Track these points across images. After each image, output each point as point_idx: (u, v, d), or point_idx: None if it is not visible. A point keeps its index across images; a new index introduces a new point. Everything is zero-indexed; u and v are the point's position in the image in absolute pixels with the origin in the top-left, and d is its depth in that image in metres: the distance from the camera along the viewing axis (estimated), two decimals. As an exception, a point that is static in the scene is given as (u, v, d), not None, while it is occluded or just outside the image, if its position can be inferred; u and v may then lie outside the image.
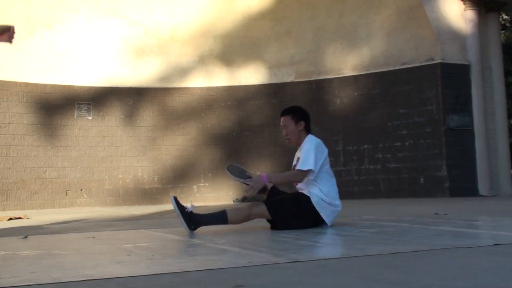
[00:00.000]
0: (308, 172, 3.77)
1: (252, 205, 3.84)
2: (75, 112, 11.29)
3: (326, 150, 3.90)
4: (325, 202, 3.79)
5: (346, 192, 11.27)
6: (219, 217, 3.81)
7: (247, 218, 3.87)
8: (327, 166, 3.89)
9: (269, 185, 3.89)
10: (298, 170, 3.78)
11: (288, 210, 3.76)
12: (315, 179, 3.80)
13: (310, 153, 3.77)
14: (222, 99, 12.08)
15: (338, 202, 3.90)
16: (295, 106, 4.22)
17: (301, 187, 3.91)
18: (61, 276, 1.97)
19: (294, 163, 3.96)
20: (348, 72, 11.61)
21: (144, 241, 3.35)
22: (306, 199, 3.77)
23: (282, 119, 4.02)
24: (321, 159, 3.81)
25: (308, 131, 4.01)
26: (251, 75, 12.18)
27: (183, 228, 3.75)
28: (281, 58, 12.17)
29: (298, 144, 3.99)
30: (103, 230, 4.37)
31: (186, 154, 11.90)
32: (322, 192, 3.79)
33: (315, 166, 3.74)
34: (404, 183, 10.89)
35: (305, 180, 3.85)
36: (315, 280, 1.78)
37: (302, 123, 3.97)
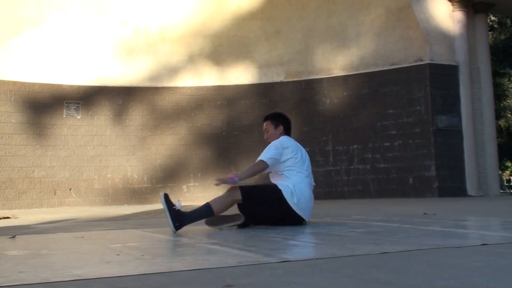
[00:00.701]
0: (264, 162, 3.99)
1: (232, 190, 3.94)
2: (64, 111, 11.23)
3: (290, 145, 4.08)
4: (295, 193, 3.91)
5: (335, 192, 11.31)
6: (204, 211, 3.89)
7: (232, 203, 3.98)
8: (292, 161, 4.04)
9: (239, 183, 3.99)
10: (258, 160, 4.04)
11: (258, 196, 3.98)
12: (283, 173, 4.03)
13: (269, 148, 4.10)
14: (212, 99, 12.07)
15: (307, 195, 3.99)
16: (276, 112, 4.63)
17: (275, 182, 4.09)
18: (49, 276, 1.95)
19: None
20: (337, 72, 11.64)
21: (133, 241, 3.34)
22: (277, 190, 3.94)
23: (264, 124, 4.40)
24: (279, 154, 4.02)
25: (287, 134, 4.31)
26: (241, 75, 12.18)
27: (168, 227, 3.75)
28: (270, 58, 12.17)
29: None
30: (92, 230, 4.35)
31: (176, 154, 11.88)
32: (291, 184, 3.95)
33: (265, 156, 3.99)
34: (393, 183, 10.94)
35: (273, 174, 4.13)
36: (304, 280, 1.78)
37: (281, 127, 4.30)
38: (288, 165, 4.02)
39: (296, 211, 3.89)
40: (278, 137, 4.22)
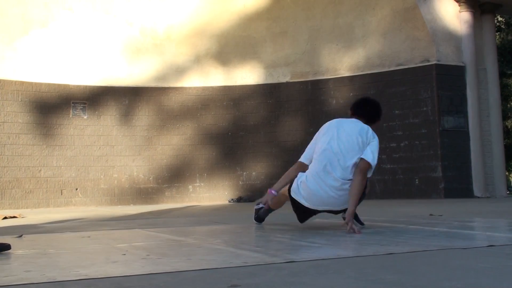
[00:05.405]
0: (302, 163, 3.89)
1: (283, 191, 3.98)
2: (71, 111, 11.27)
3: (325, 130, 3.85)
4: (298, 188, 3.75)
5: (341, 192, 11.27)
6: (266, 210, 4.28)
7: (284, 200, 4.03)
8: (318, 146, 3.79)
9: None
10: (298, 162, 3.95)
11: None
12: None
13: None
14: (218, 99, 12.08)
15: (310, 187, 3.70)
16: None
17: None
18: (56, 275, 1.96)
19: None
20: (343, 72, 11.63)
21: (139, 240, 3.35)
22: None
23: None
24: (310, 148, 3.90)
25: (355, 116, 3.99)
26: (247, 75, 12.18)
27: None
28: (276, 58, 12.17)
29: None
30: (98, 230, 4.36)
31: (182, 154, 11.89)
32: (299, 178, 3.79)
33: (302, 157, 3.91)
34: (399, 184, 10.91)
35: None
36: (310, 280, 1.78)
37: (350, 113, 4.05)
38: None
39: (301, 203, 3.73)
40: None
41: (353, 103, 4.06)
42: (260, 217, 4.34)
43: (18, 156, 10.72)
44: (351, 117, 3.95)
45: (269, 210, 4.30)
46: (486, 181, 10.95)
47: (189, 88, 12.05)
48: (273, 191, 3.92)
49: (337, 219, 4.41)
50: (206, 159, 11.97)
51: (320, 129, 3.90)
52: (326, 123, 3.92)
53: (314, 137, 3.90)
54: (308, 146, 3.91)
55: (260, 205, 4.31)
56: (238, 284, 1.73)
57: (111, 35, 11.66)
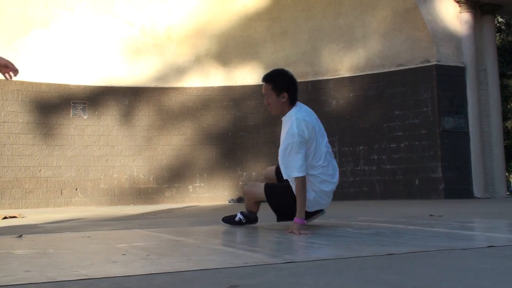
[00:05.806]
0: (300, 178, 3.48)
1: (253, 186, 4.04)
2: (71, 111, 11.27)
3: (307, 133, 3.54)
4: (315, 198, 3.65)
5: (341, 193, 11.28)
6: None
7: (258, 202, 4.03)
8: (313, 146, 3.57)
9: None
10: (295, 179, 3.49)
11: (283, 199, 3.69)
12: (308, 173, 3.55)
13: (291, 147, 3.46)
14: (218, 99, 12.08)
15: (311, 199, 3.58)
16: (277, 72, 3.79)
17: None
18: (56, 275, 1.96)
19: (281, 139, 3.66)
20: (344, 73, 11.64)
21: (139, 240, 3.35)
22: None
23: (263, 86, 3.69)
24: (304, 155, 3.48)
25: (292, 102, 3.67)
26: (247, 75, 12.18)
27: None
28: (277, 59, 12.17)
29: (282, 114, 3.70)
30: (98, 230, 4.36)
31: (182, 154, 11.89)
32: (314, 192, 3.63)
33: (296, 169, 3.46)
34: (399, 185, 10.91)
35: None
36: (310, 280, 1.78)
37: (285, 95, 3.62)
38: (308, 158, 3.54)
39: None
40: (282, 107, 3.62)
41: (289, 88, 3.64)
42: (251, 221, 4.11)
43: (18, 156, 10.73)
44: (290, 105, 3.65)
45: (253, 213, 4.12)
46: (486, 182, 10.96)
47: (189, 88, 12.05)
48: (304, 221, 3.48)
49: (337, 219, 4.41)
50: (206, 159, 11.97)
51: (300, 132, 3.51)
52: (304, 122, 3.57)
53: (299, 142, 3.49)
54: (297, 157, 3.46)
55: (239, 217, 4.07)
56: (238, 284, 1.72)
57: (111, 35, 11.66)
